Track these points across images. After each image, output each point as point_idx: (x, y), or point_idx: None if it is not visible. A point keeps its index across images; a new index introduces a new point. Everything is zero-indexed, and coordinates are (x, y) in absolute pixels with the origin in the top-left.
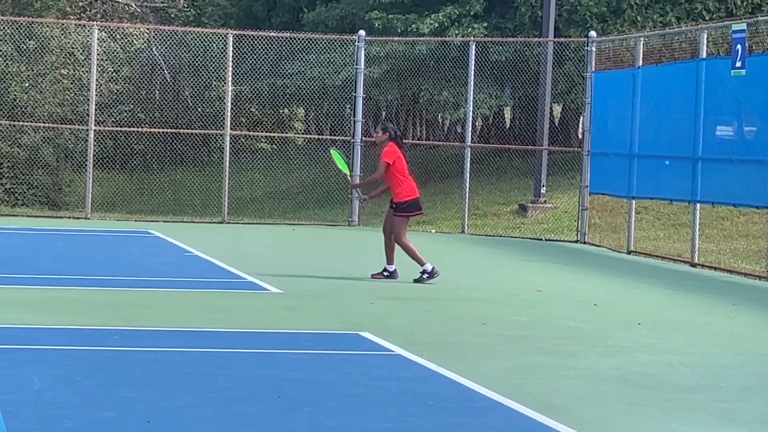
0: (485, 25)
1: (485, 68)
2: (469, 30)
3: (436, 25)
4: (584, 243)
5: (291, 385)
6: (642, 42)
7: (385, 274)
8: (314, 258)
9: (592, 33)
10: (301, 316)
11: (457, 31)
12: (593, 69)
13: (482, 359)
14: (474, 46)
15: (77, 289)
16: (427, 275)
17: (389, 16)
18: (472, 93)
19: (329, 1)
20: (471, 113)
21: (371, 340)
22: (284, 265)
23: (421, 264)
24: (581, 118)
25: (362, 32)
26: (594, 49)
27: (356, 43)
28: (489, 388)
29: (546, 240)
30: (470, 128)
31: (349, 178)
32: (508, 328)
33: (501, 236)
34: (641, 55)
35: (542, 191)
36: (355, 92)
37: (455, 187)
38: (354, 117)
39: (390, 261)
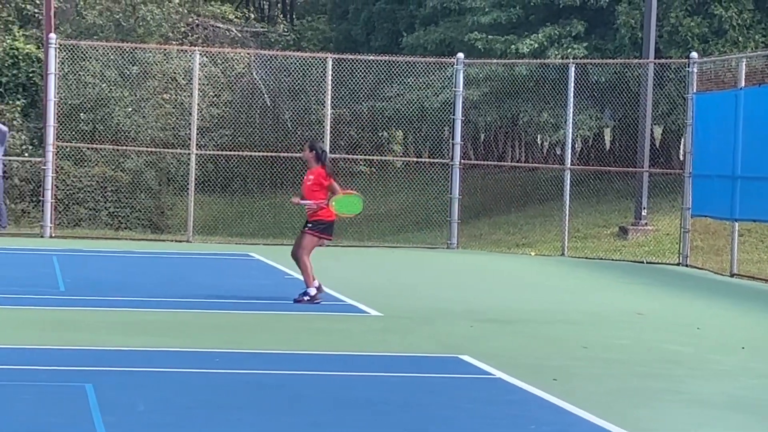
0: (585, 45)
1: (585, 89)
2: (569, 51)
3: (536, 45)
4: (686, 266)
5: (391, 409)
6: (744, 63)
7: (306, 298)
8: (413, 281)
9: (694, 54)
10: (400, 339)
11: (557, 52)
12: (695, 90)
13: (583, 383)
14: (573, 68)
15: (180, 312)
16: (308, 298)
17: (489, 37)
18: (571, 114)
19: (428, 24)
20: (570, 135)
21: (471, 364)
22: (384, 288)
23: (308, 285)
24: (682, 139)
25: (461, 54)
26: (695, 70)
27: (455, 66)
28: (590, 412)
29: (647, 263)
30: (570, 150)
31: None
32: (608, 351)
33: (601, 259)
34: (743, 76)
35: (643, 213)
36: (453, 115)
37: (555, 209)
38: (452, 139)
39: (309, 283)
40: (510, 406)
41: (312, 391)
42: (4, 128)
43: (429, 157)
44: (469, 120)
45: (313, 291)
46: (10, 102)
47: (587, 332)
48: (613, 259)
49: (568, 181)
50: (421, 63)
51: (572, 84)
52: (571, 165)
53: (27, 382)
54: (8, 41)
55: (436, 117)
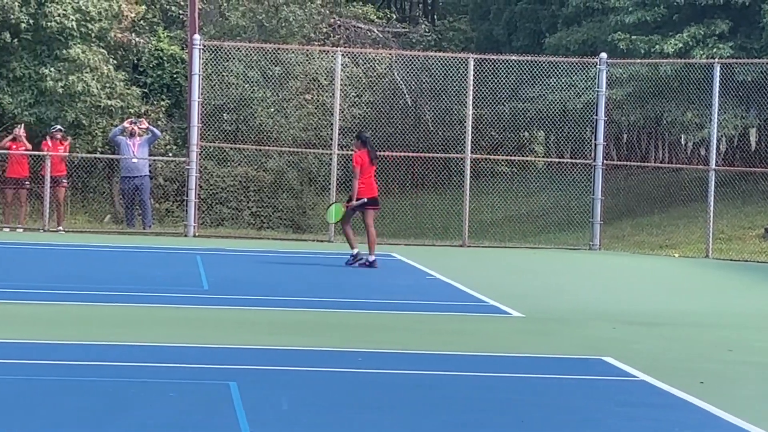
0: (730, 45)
1: (730, 89)
2: (714, 50)
3: (680, 45)
4: None
5: (534, 410)
6: None
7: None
8: (555, 282)
9: None
10: (543, 340)
11: (701, 52)
12: None
13: (729, 386)
14: (719, 67)
15: (321, 312)
16: (353, 260)
17: (632, 37)
18: (716, 115)
19: (571, 24)
20: (715, 136)
21: (614, 366)
22: (525, 289)
23: (352, 247)
24: None
25: (604, 55)
26: None
27: (598, 66)
28: (735, 415)
29: None
30: (714, 151)
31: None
32: (754, 354)
33: (746, 261)
34: None
35: None
36: (596, 115)
37: (699, 210)
38: (595, 140)
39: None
40: (654, 408)
41: (454, 391)
42: (159, 133)
43: (571, 158)
44: (611, 120)
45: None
46: (155, 102)
47: (732, 335)
48: (758, 261)
49: (713, 182)
50: (564, 63)
51: (717, 84)
52: (715, 166)
53: (172, 379)
54: (153, 42)
55: (579, 117)
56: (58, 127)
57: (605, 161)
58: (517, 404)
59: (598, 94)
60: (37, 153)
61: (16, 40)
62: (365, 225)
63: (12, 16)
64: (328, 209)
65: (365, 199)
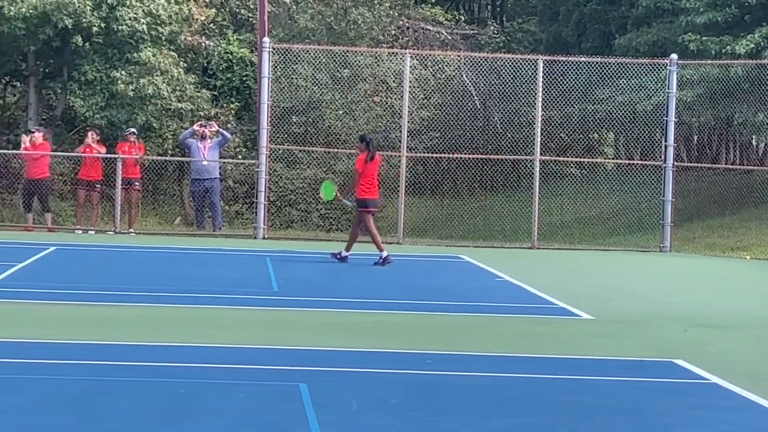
0: None
1: None
2: None
3: (752, 46)
4: None
5: (604, 413)
6: None
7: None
8: (625, 284)
9: None
10: (613, 343)
11: None
12: None
13: None
14: None
15: (391, 313)
16: (382, 261)
17: (703, 38)
18: None
19: (640, 25)
20: None
21: (686, 368)
22: (595, 291)
23: (380, 249)
24: None
25: (674, 56)
26: None
27: (668, 67)
28: None
29: None
30: None
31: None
32: None
33: None
34: None
35: None
36: (666, 117)
37: None
38: (665, 141)
39: (348, 248)
40: (726, 411)
41: (523, 394)
42: (229, 136)
43: (641, 160)
44: (682, 122)
45: (385, 254)
46: (225, 105)
47: None
48: None
49: None
50: (634, 64)
51: None
52: None
53: (242, 381)
54: (223, 45)
55: (649, 119)
56: (132, 129)
57: (675, 163)
58: (587, 407)
59: (669, 95)
60: (110, 156)
61: (87, 43)
62: (353, 224)
63: (84, 20)
64: (322, 184)
65: (354, 204)
